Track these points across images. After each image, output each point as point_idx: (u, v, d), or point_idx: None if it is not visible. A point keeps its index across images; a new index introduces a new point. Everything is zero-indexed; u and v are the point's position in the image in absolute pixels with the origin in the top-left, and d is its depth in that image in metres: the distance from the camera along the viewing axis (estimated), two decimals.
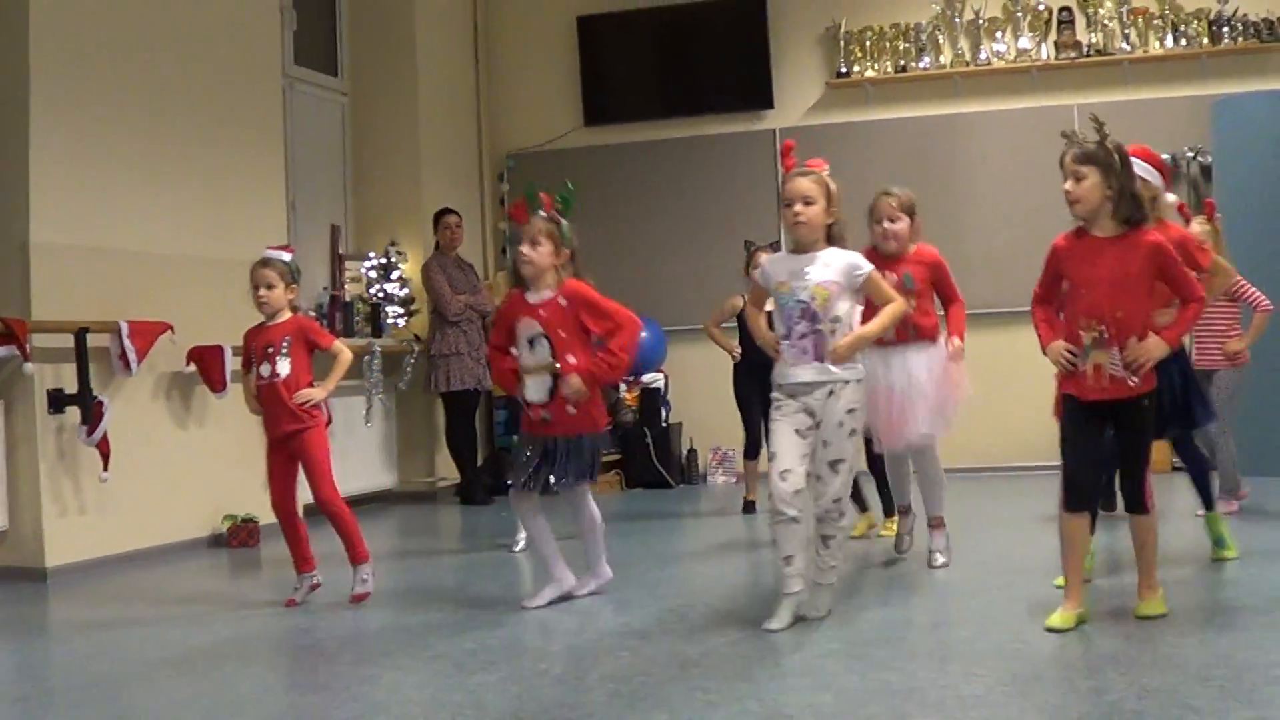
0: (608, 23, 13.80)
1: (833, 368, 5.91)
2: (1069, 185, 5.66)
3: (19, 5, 8.36)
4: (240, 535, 9.54)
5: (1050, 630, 5.54)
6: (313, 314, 11.40)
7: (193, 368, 9.41)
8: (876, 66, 13.21)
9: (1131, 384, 5.59)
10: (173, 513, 9.25)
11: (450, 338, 11.72)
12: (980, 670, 5.00)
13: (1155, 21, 12.62)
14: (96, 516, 8.65)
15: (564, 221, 6.71)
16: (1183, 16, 12.54)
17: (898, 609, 6.30)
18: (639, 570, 7.80)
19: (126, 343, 8.71)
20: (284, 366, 7.07)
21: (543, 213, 6.67)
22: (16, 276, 8.34)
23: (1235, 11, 12.34)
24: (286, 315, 7.21)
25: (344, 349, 7.32)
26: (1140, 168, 6.15)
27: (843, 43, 13.20)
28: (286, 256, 7.27)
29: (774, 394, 6.03)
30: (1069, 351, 5.68)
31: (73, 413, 8.46)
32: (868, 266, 6.03)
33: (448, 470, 12.50)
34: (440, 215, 12.11)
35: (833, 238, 6.06)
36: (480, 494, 11.90)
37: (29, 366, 8.19)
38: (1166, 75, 12.46)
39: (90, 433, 8.43)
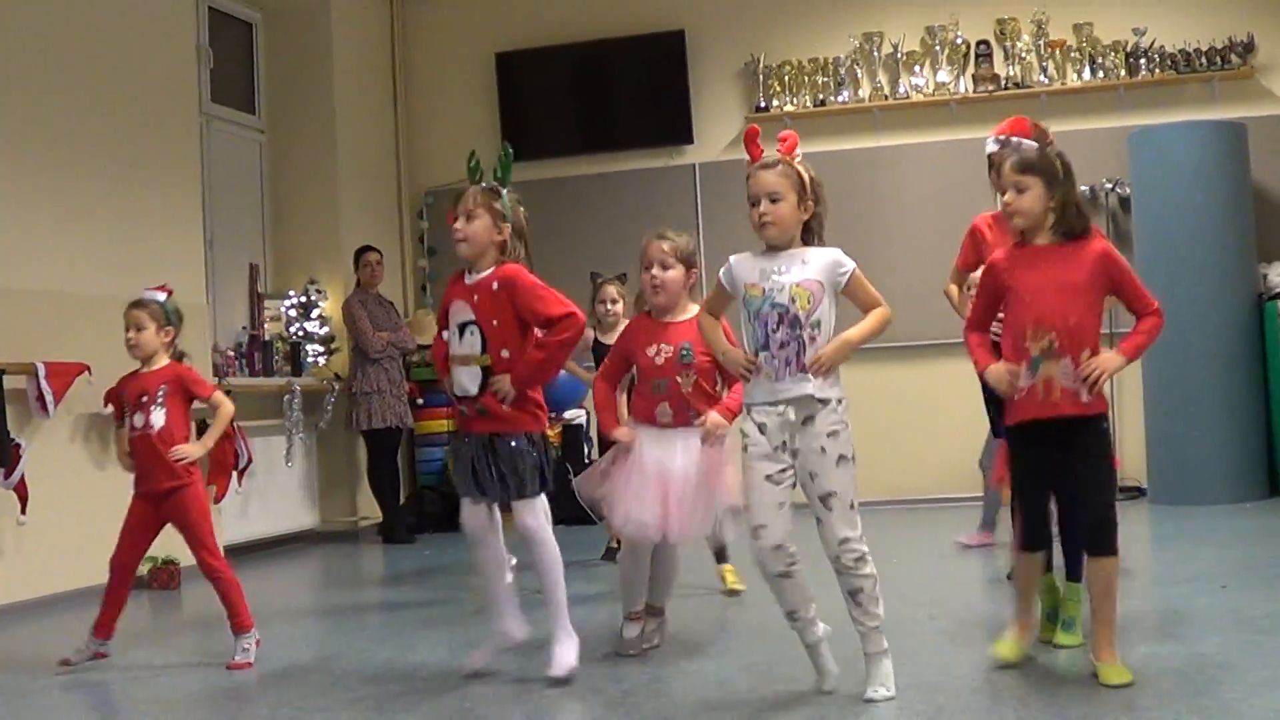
0: (526, 59, 13.77)
1: (815, 380, 5.07)
2: (1009, 197, 5.29)
3: None
4: (160, 578, 9.42)
5: (1002, 661, 5.41)
6: (231, 354, 11.33)
7: (110, 409, 9.30)
8: (795, 101, 13.24)
9: (1084, 400, 5.15)
10: (93, 556, 9.04)
11: (371, 375, 11.65)
12: (903, 702, 5.01)
13: (1073, 54, 12.71)
14: (15, 560, 8.53)
15: (504, 191, 5.95)
16: (1100, 49, 12.64)
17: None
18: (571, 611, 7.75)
19: (43, 384, 8.61)
20: (158, 417, 6.52)
21: (479, 185, 5.95)
22: None
23: (1152, 44, 12.44)
24: (162, 361, 6.68)
25: (225, 400, 6.76)
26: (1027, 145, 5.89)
27: (762, 77, 13.23)
28: (161, 297, 6.74)
29: (744, 427, 5.24)
30: (1011, 371, 5.23)
31: None
32: (851, 264, 5.20)
33: (370, 509, 12.40)
34: (361, 252, 12.04)
35: (812, 234, 5.27)
36: (403, 532, 11.83)
37: None
38: (1084, 107, 12.54)
39: (7, 475, 8.31)
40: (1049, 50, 12.74)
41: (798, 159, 5.28)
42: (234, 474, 10.28)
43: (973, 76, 12.90)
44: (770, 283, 5.14)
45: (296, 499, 11.88)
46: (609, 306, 8.81)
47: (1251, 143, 11.41)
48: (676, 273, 6.09)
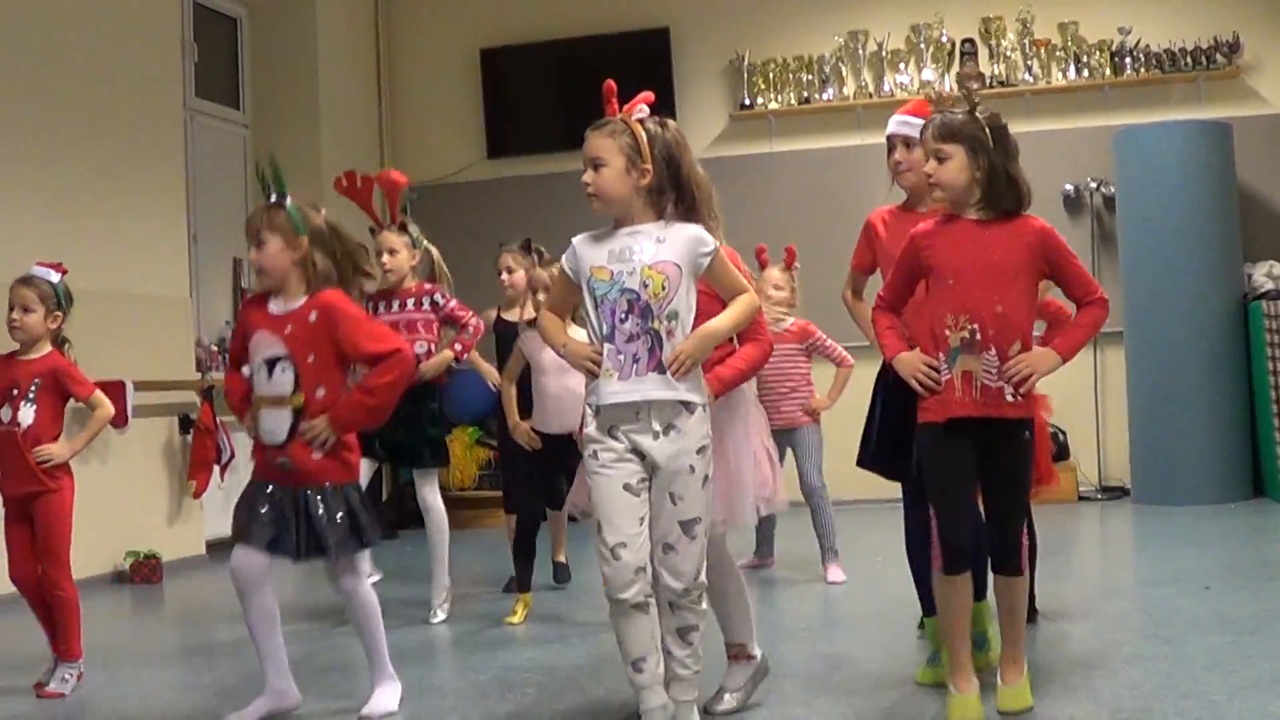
0: (511, 55, 13.74)
1: (676, 383, 4.33)
2: (929, 166, 4.73)
3: None
4: (142, 571, 9.38)
5: None
6: (214, 348, 11.29)
7: None
8: (780, 98, 13.22)
9: (1009, 400, 4.56)
10: (75, 549, 9.03)
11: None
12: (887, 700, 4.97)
13: (1058, 53, 12.69)
14: None
15: (287, 202, 5.14)
16: (1085, 48, 12.62)
17: (816, 644, 6.24)
18: (549, 605, 7.75)
19: None
20: (27, 414, 5.86)
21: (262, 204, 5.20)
22: None
23: (1137, 42, 12.43)
24: (44, 350, 6.02)
25: (105, 401, 6.16)
26: (905, 122, 5.51)
27: (746, 75, 13.21)
28: (54, 276, 6.09)
29: (590, 431, 4.44)
30: (928, 365, 4.64)
31: None
32: (714, 243, 4.49)
33: None
34: None
35: (668, 205, 4.63)
36: (384, 528, 11.79)
37: None
38: (1069, 106, 12.53)
39: None
40: (1034, 49, 12.72)
41: (639, 116, 4.79)
42: (216, 469, 10.26)
43: (957, 75, 12.87)
44: (621, 265, 4.51)
45: None
46: (504, 277, 8.01)
47: (1237, 143, 11.40)
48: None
